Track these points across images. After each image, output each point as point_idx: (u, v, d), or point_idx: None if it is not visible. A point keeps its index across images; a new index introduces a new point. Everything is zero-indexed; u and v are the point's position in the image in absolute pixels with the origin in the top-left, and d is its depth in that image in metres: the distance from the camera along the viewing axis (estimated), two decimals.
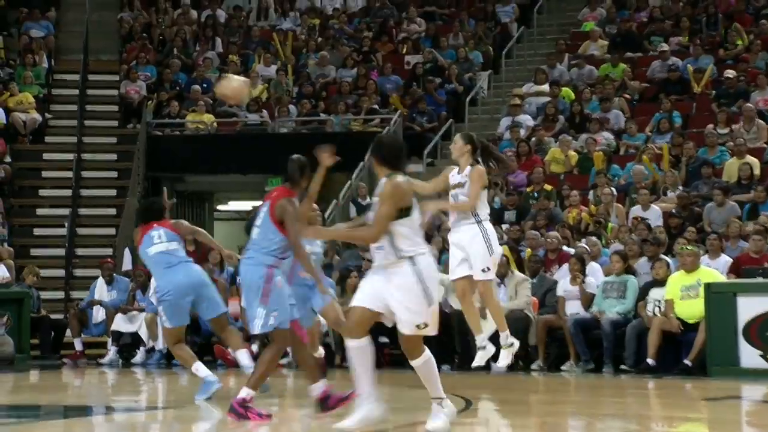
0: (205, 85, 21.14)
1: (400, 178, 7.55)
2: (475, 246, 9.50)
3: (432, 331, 7.66)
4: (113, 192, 20.26)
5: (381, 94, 20.97)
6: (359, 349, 7.63)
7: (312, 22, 22.99)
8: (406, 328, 7.62)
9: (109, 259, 16.56)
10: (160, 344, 15.05)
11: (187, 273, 10.39)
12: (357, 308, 7.68)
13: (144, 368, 15.10)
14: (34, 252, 19.21)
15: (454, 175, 9.62)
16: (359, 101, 20.74)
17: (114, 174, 20.66)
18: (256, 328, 8.66)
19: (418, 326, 7.59)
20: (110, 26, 23.36)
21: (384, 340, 14.02)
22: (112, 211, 19.81)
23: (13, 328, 15.23)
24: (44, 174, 20.55)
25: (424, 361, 7.76)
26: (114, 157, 20.99)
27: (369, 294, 7.67)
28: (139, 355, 15.55)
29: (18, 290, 16.06)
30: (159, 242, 10.40)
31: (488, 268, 9.55)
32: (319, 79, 21.58)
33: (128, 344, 15.70)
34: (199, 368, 10.39)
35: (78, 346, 15.90)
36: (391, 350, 14.28)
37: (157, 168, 20.20)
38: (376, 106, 20.67)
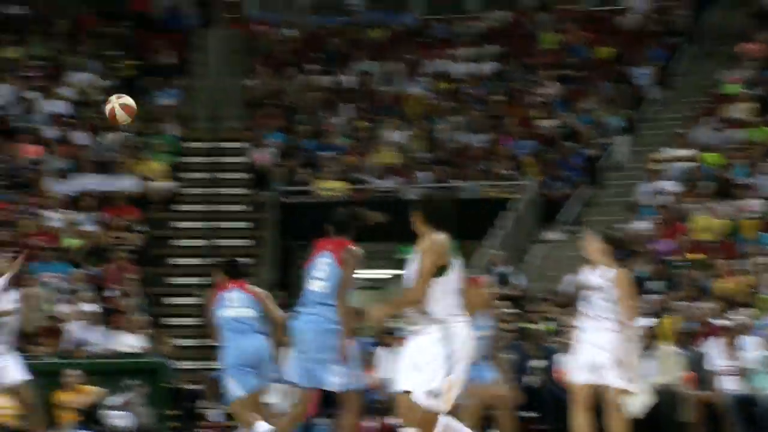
0: (334, 152, 21.02)
1: (440, 236, 7.17)
2: (617, 352, 9.04)
3: (442, 406, 6.95)
4: (248, 261, 20.07)
5: (514, 159, 20.57)
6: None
7: (442, 86, 22.71)
8: (415, 390, 6.95)
9: None
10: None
11: (255, 344, 9.94)
12: (400, 396, 7.11)
13: None
14: (166, 321, 19.08)
15: (588, 275, 9.19)
16: (491, 167, 20.36)
17: (247, 242, 20.51)
18: (336, 386, 8.43)
19: (429, 392, 6.93)
20: (237, 93, 23.38)
21: (529, 414, 13.55)
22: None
23: (149, 399, 15.06)
24: (175, 242, 20.51)
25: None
26: (245, 225, 20.87)
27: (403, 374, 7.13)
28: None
29: (153, 360, 15.91)
30: (232, 306, 10.01)
31: (627, 378, 9.09)
32: (450, 144, 21.27)
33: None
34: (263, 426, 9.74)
35: (214, 417, 15.65)
36: (538, 426, 13.79)
37: (289, 236, 20.01)
38: (509, 172, 20.27)
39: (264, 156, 21.33)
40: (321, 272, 8.51)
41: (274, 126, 21.97)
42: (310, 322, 8.46)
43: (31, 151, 20.59)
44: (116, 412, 14.88)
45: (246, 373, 9.89)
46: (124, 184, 20.32)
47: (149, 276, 19.49)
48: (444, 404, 6.98)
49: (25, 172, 20.18)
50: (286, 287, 17.67)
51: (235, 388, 9.98)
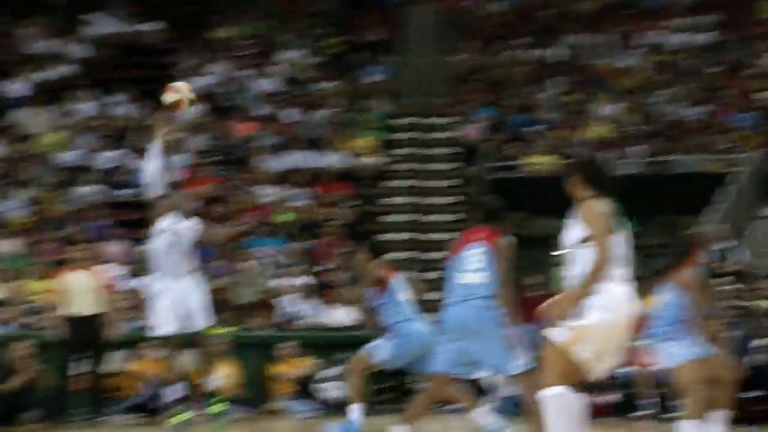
0: (543, 126, 20.63)
1: (600, 201, 6.90)
2: None
3: (566, 339, 6.66)
4: (456, 235, 19.89)
5: (732, 132, 19.76)
6: (554, 399, 6.67)
7: (656, 58, 22.00)
8: (555, 331, 6.72)
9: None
10: (506, 390, 14.40)
11: (422, 330, 10.18)
12: (547, 347, 6.83)
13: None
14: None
15: None
16: (710, 140, 19.60)
17: (455, 217, 20.35)
18: (518, 369, 8.50)
19: (571, 330, 6.66)
20: (445, 68, 23.20)
21: (753, 393, 12.94)
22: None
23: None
24: (383, 218, 20.49)
25: (551, 396, 6.66)
26: (453, 200, 20.71)
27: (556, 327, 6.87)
28: (486, 406, 14.93)
29: (365, 333, 15.87)
30: (403, 292, 10.35)
31: None
32: (665, 117, 20.59)
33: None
34: (355, 410, 10.06)
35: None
36: (762, 406, 13.13)
37: None
38: (727, 145, 19.48)
39: (472, 131, 21.11)
40: (476, 263, 8.56)
41: (482, 101, 21.72)
42: (472, 313, 8.48)
43: (243, 128, 20.90)
44: (329, 384, 14.97)
45: (407, 355, 10.17)
46: (334, 160, 20.42)
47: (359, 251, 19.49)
48: (568, 340, 6.72)
49: (238, 149, 20.50)
50: None
51: (383, 354, 10.20)
